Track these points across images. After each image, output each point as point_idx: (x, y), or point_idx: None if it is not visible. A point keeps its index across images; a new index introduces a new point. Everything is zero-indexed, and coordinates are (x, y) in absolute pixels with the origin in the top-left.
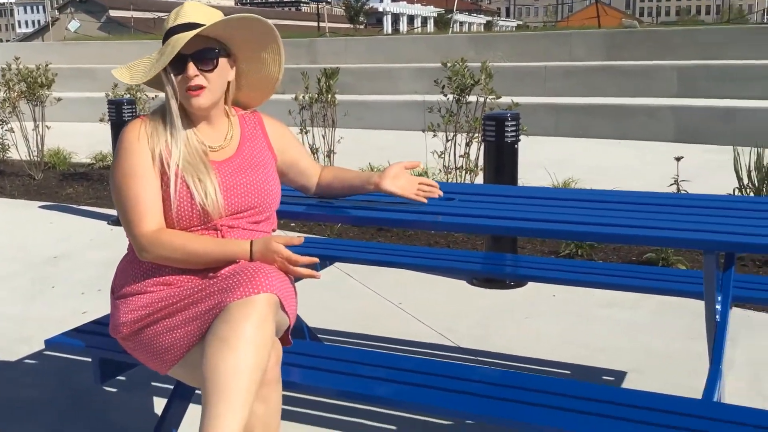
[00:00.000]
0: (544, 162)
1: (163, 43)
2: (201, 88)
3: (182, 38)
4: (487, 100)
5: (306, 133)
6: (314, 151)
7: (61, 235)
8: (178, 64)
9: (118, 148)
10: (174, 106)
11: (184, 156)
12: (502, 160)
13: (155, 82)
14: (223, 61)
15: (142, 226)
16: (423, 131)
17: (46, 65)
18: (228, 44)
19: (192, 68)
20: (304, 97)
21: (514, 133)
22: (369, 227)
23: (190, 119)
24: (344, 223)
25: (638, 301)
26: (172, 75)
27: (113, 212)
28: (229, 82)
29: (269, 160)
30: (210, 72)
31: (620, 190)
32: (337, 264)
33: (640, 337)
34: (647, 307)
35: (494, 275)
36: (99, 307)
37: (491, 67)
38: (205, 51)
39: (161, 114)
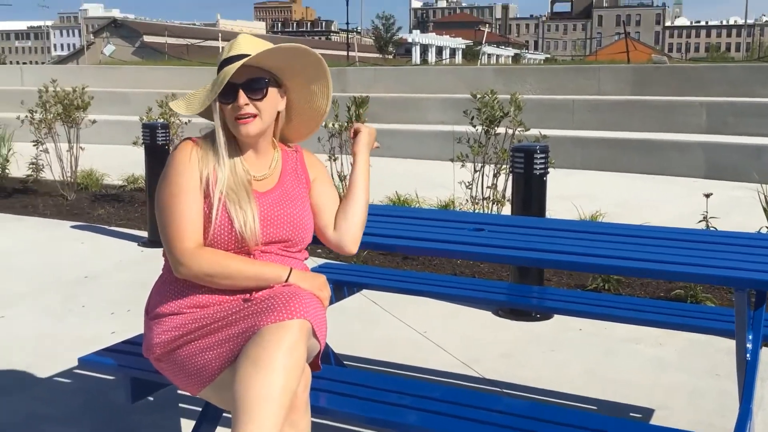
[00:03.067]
0: (572, 194)
1: (218, 74)
2: (251, 116)
3: (232, 68)
4: (516, 132)
5: (335, 160)
6: (342, 178)
7: (91, 255)
8: (230, 93)
9: (168, 166)
10: (222, 134)
11: (229, 182)
12: (530, 192)
13: (208, 113)
14: (272, 91)
15: (182, 242)
16: (451, 161)
17: (83, 88)
18: (278, 75)
19: (242, 97)
20: (333, 125)
21: (542, 166)
22: (395, 254)
23: (238, 147)
24: (373, 250)
25: (665, 338)
26: (223, 104)
27: (143, 234)
28: (278, 113)
29: (306, 195)
30: (260, 101)
31: (648, 225)
32: (363, 291)
33: (667, 373)
34: (675, 343)
35: (520, 307)
36: (128, 327)
37: (520, 100)
38: (255, 80)
39: (212, 138)
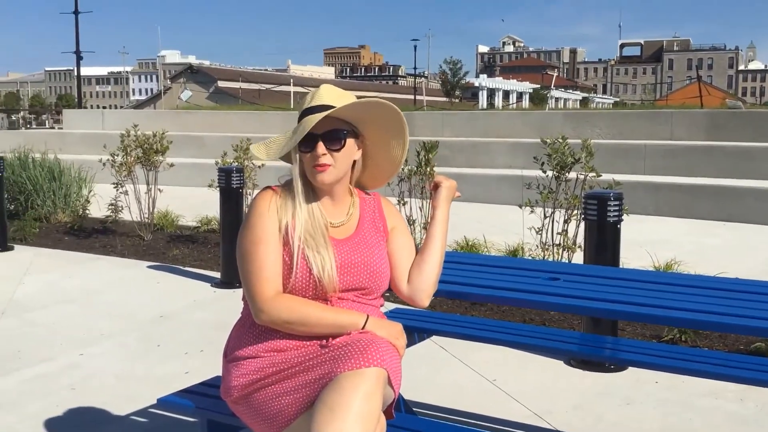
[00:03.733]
0: (645, 241)
1: (299, 122)
2: (328, 165)
3: (313, 119)
4: (587, 177)
5: (404, 204)
6: (411, 222)
7: (166, 295)
8: (309, 142)
9: (249, 214)
10: (300, 181)
11: (307, 228)
12: (603, 240)
13: (286, 156)
14: (350, 142)
15: (263, 289)
16: (520, 206)
17: (162, 133)
18: (357, 125)
19: (321, 147)
20: (403, 169)
21: (616, 213)
22: (462, 300)
23: (315, 194)
24: (446, 297)
25: (745, 393)
26: (302, 152)
27: (216, 275)
28: (354, 161)
29: (383, 243)
30: (337, 151)
31: (725, 276)
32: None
33: (748, 431)
34: (755, 399)
35: (593, 358)
36: (201, 367)
37: (591, 145)
38: (334, 132)
39: (290, 186)
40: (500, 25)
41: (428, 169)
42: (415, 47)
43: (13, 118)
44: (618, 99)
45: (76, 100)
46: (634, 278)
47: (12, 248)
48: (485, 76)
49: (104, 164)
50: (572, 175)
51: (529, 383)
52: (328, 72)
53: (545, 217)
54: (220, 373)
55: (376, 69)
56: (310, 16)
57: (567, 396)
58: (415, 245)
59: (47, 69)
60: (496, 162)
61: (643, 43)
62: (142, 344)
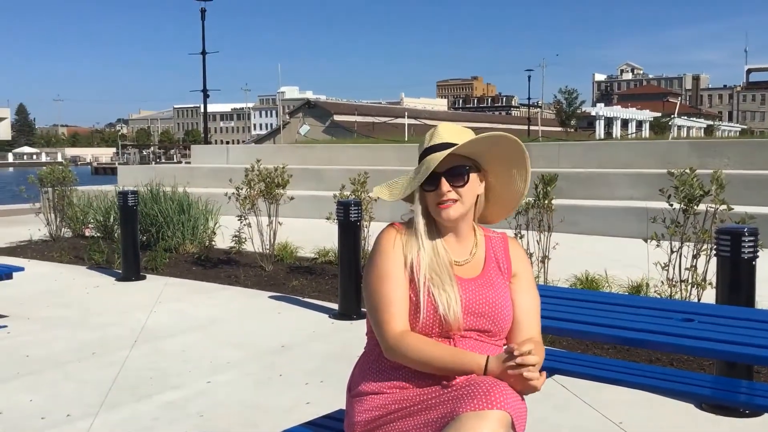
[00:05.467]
0: None
1: (419, 161)
2: (452, 201)
3: (436, 158)
4: (718, 210)
5: (521, 237)
6: (528, 255)
7: (287, 325)
8: (433, 180)
9: (375, 251)
10: (423, 219)
11: (432, 267)
12: (737, 278)
13: (407, 196)
14: (473, 177)
15: (392, 326)
16: (645, 240)
17: (283, 167)
18: (478, 160)
19: (445, 184)
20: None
21: (751, 250)
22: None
23: (439, 231)
24: (574, 337)
25: None
26: (426, 191)
27: (334, 306)
28: (477, 196)
29: (506, 284)
30: (461, 187)
31: None
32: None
33: None
34: None
35: (727, 403)
36: (321, 398)
37: (722, 177)
38: (457, 168)
39: (413, 224)
40: (617, 53)
41: (546, 201)
42: (529, 77)
43: (144, 153)
44: (745, 126)
45: (203, 135)
46: None
47: (144, 277)
48: (602, 104)
49: (229, 198)
50: (701, 207)
51: (658, 427)
52: (441, 104)
53: (672, 251)
54: (341, 405)
55: (489, 100)
56: (422, 49)
57: None
58: (534, 296)
59: (175, 106)
60: (616, 193)
61: None
62: (265, 373)
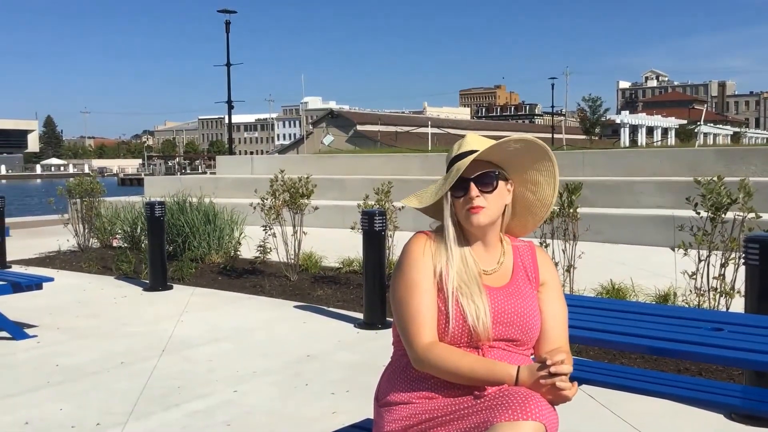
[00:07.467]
0: None
1: (447, 170)
2: (482, 207)
3: (464, 162)
4: (746, 218)
5: (546, 246)
6: (554, 264)
7: (312, 334)
8: (461, 186)
9: (403, 260)
10: (452, 227)
11: (461, 276)
12: (767, 286)
13: (433, 211)
14: (501, 184)
15: (420, 337)
16: (673, 248)
17: (308, 177)
18: (506, 168)
19: (474, 189)
20: None
21: None
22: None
23: (467, 240)
24: (601, 347)
25: None
26: (455, 198)
27: (359, 315)
28: (506, 206)
29: (534, 294)
30: (490, 193)
31: None
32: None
33: None
34: None
35: (758, 413)
36: (348, 407)
37: (750, 185)
38: (486, 174)
39: (442, 232)
40: (641, 60)
41: (571, 210)
42: (553, 85)
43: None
44: None
45: (227, 146)
46: None
47: (171, 287)
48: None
49: (254, 208)
50: (729, 215)
51: None
52: (464, 112)
53: (700, 260)
54: (368, 415)
55: (512, 108)
56: (445, 58)
57: None
58: (562, 305)
59: (200, 117)
60: (642, 202)
61: None
62: (291, 383)
